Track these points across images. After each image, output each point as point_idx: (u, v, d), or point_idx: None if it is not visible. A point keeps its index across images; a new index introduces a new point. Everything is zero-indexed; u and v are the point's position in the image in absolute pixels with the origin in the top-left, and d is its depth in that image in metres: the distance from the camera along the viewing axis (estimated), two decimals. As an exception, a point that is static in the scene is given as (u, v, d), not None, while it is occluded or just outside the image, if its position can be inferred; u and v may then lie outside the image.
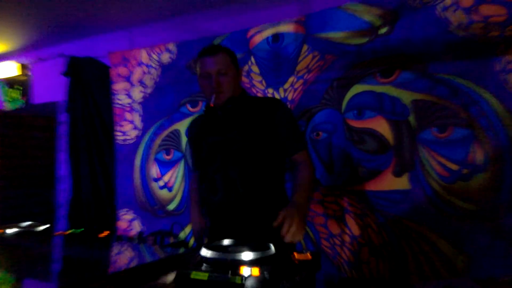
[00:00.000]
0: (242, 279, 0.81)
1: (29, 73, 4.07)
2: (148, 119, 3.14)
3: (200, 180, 1.82)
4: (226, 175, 1.63)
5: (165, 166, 3.04)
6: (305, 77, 2.49)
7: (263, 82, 2.66)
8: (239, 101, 1.67)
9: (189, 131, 1.89)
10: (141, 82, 3.17)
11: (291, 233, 1.31)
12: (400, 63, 2.22)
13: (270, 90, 2.63)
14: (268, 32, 2.63)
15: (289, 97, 2.54)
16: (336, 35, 2.40)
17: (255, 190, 1.62)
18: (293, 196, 1.51)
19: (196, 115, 1.84)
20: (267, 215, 1.49)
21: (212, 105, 1.60)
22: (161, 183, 3.05)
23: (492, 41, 2.01)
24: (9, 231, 1.40)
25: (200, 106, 2.91)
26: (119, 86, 3.25)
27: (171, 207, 2.98)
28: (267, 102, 1.72)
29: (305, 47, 2.50)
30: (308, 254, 1.04)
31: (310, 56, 2.48)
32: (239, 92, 1.71)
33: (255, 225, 1.58)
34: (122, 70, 3.23)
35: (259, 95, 2.65)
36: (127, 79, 3.22)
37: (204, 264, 0.92)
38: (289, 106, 2.54)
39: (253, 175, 1.61)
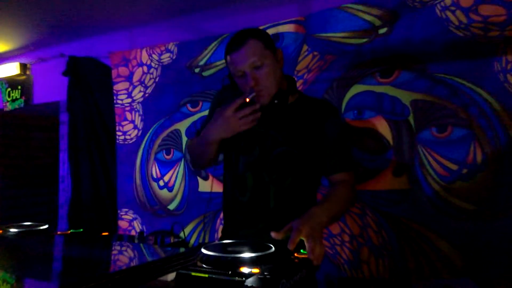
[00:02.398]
0: (242, 278, 0.81)
1: (30, 73, 4.07)
2: (148, 119, 3.14)
3: (225, 170, 1.54)
4: (259, 176, 1.40)
5: (165, 166, 3.04)
6: (305, 77, 2.49)
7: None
8: (288, 95, 1.37)
9: (223, 96, 1.51)
10: (141, 82, 3.17)
11: (319, 256, 1.05)
12: (400, 63, 2.22)
13: (270, 90, 2.63)
14: (268, 32, 2.63)
15: (289, 97, 2.54)
16: (336, 35, 2.40)
17: (287, 205, 1.39)
18: (314, 208, 1.21)
19: (225, 84, 1.51)
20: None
21: (248, 100, 1.29)
22: (161, 183, 3.05)
23: (492, 41, 2.01)
24: (9, 231, 1.40)
25: (200, 106, 2.91)
26: (120, 86, 3.26)
27: (171, 207, 2.98)
28: (320, 105, 1.45)
29: (305, 47, 2.51)
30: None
31: (310, 56, 2.48)
32: (285, 82, 1.43)
33: (279, 241, 1.34)
34: (123, 70, 3.24)
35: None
36: (128, 79, 3.22)
37: (204, 264, 0.92)
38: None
39: (289, 188, 1.39)
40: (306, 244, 1.05)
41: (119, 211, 3.23)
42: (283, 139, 1.38)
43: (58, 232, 1.48)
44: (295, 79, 1.52)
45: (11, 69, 4.04)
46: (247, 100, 1.29)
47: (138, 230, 3.11)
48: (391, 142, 2.23)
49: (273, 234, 1.09)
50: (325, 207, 1.23)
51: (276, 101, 1.35)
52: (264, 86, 1.34)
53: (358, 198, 2.28)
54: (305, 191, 1.43)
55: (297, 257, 1.01)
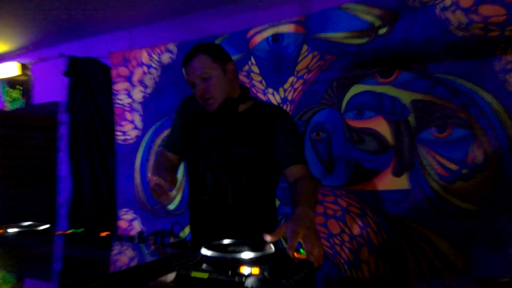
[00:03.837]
0: (242, 278, 0.81)
1: (30, 73, 4.08)
2: (148, 119, 3.14)
3: (188, 173, 1.66)
4: (217, 177, 1.51)
5: (165, 166, 3.03)
6: (305, 77, 2.49)
7: (263, 82, 2.66)
8: (237, 103, 1.52)
9: (183, 108, 1.67)
10: (141, 82, 3.17)
11: (319, 256, 1.04)
12: (400, 63, 2.22)
13: (270, 90, 2.63)
14: (268, 32, 2.64)
15: (289, 97, 2.54)
16: (336, 35, 2.41)
17: (245, 202, 1.50)
18: (300, 208, 1.23)
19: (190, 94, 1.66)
20: (254, 230, 1.42)
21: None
22: (161, 183, 3.04)
23: (492, 41, 2.01)
24: (9, 231, 1.40)
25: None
26: (120, 86, 3.26)
27: (171, 207, 2.98)
28: (272, 110, 1.58)
29: (305, 47, 2.51)
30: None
31: (310, 56, 2.48)
32: (237, 91, 1.56)
33: (240, 236, 1.36)
34: (123, 70, 3.24)
35: (259, 95, 2.65)
36: (128, 79, 3.22)
37: (204, 264, 0.92)
38: (289, 106, 2.54)
39: (245, 186, 1.49)
40: (304, 246, 1.06)
41: (119, 211, 3.23)
42: (237, 141, 1.50)
43: (58, 232, 1.48)
44: (248, 88, 1.62)
45: (11, 69, 4.04)
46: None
47: (138, 230, 3.11)
48: (391, 142, 2.23)
49: (267, 238, 1.08)
50: (306, 204, 1.27)
51: (223, 107, 1.49)
52: (211, 95, 1.48)
53: (356, 196, 2.29)
54: (260, 189, 1.53)
55: (296, 257, 1.01)
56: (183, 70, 1.53)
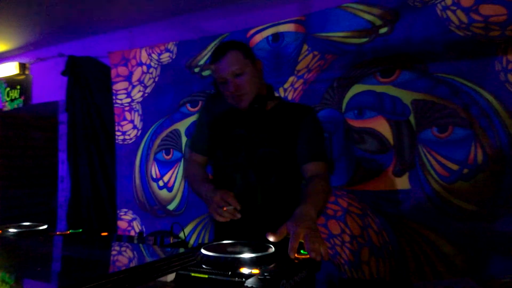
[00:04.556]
0: (242, 279, 0.81)
1: (29, 73, 4.07)
2: (148, 119, 3.14)
3: (214, 173, 1.63)
4: (246, 176, 1.49)
5: (164, 166, 3.03)
6: (305, 76, 2.49)
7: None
8: (266, 100, 1.52)
9: (209, 108, 1.66)
10: (140, 82, 3.17)
11: (324, 252, 1.03)
12: (401, 63, 2.22)
13: (270, 90, 2.62)
14: (268, 32, 2.63)
15: (289, 97, 2.53)
16: (336, 35, 2.40)
17: (274, 202, 1.48)
18: (302, 207, 1.22)
19: (213, 92, 1.65)
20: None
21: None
22: (160, 183, 3.04)
23: (493, 40, 2.01)
24: (9, 231, 1.39)
25: (200, 106, 2.90)
26: (119, 85, 3.25)
27: (171, 207, 2.98)
28: (297, 108, 1.58)
29: (305, 47, 2.50)
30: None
31: (310, 55, 2.48)
32: (264, 89, 1.56)
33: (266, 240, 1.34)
34: (122, 70, 3.23)
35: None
36: (127, 78, 3.22)
37: (204, 264, 0.92)
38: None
39: (274, 185, 1.48)
40: (306, 245, 1.03)
41: (118, 211, 3.22)
42: (265, 140, 1.50)
43: (57, 233, 1.47)
44: (273, 87, 1.62)
45: (10, 68, 4.03)
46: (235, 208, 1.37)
47: (137, 231, 3.11)
48: (391, 142, 2.23)
49: (270, 238, 1.08)
50: (310, 203, 1.26)
51: (256, 106, 1.49)
52: (244, 92, 1.47)
53: (356, 196, 2.29)
54: (288, 187, 1.52)
55: (297, 258, 1.00)
56: (212, 67, 1.50)
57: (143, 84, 3.16)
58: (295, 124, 1.51)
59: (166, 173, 3.02)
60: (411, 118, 2.18)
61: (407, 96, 2.20)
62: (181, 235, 2.81)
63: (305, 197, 1.32)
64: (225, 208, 1.35)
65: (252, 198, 1.48)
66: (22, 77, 4.05)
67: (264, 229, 1.37)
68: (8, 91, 4.15)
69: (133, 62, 3.18)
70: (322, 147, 1.56)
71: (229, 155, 1.53)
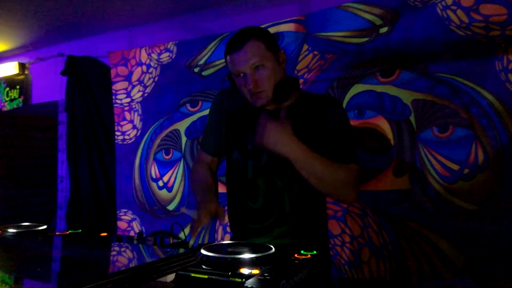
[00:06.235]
0: (242, 279, 0.80)
1: (28, 73, 4.07)
2: (147, 119, 3.14)
3: (229, 176, 1.50)
4: (271, 181, 1.35)
5: (164, 166, 3.03)
6: (305, 76, 2.49)
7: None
8: (289, 86, 1.34)
9: (223, 104, 1.49)
10: (140, 82, 3.16)
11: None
12: (401, 63, 2.22)
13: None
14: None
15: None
16: (336, 35, 2.40)
17: (302, 208, 1.36)
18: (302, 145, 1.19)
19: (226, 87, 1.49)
20: (308, 238, 1.33)
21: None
22: (160, 183, 3.04)
23: (493, 40, 2.00)
24: (9, 231, 1.39)
25: (200, 106, 2.90)
26: (119, 85, 3.25)
27: (171, 207, 2.98)
28: (321, 102, 1.39)
29: (305, 47, 2.50)
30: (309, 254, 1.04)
31: (310, 55, 2.48)
32: (286, 83, 1.37)
33: (292, 247, 1.26)
34: (122, 70, 3.23)
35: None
36: (127, 78, 3.21)
37: (204, 265, 0.92)
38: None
39: (301, 190, 1.34)
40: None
41: (118, 212, 3.22)
42: None
43: (57, 233, 1.47)
44: (298, 79, 1.47)
45: (9, 68, 4.03)
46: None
47: (137, 231, 3.10)
48: (392, 142, 2.23)
49: None
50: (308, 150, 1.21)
51: (278, 93, 1.32)
52: (264, 88, 1.31)
53: (358, 198, 2.28)
54: (316, 192, 1.34)
55: (297, 258, 1.00)
56: (228, 58, 1.33)
57: (142, 84, 3.15)
58: (319, 118, 1.33)
59: (166, 173, 3.02)
60: (412, 118, 2.18)
61: (407, 96, 2.19)
62: (181, 235, 2.81)
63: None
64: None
65: (279, 206, 1.35)
66: (22, 77, 4.05)
67: (291, 238, 1.34)
68: (7, 91, 4.15)
69: (133, 62, 3.18)
70: (351, 147, 1.35)
71: (249, 157, 1.38)
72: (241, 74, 1.32)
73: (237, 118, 1.45)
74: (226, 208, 1.46)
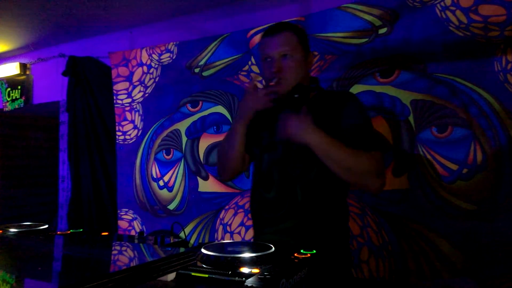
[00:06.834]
0: (242, 278, 0.81)
1: (30, 73, 4.08)
2: (148, 119, 3.14)
3: (254, 171, 1.56)
4: (284, 171, 1.39)
5: (165, 166, 3.04)
6: (305, 77, 2.49)
7: (263, 82, 2.65)
8: (308, 92, 1.39)
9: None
10: (141, 82, 3.17)
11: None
12: (400, 63, 2.22)
13: (270, 90, 2.62)
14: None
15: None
16: (335, 35, 2.40)
17: (315, 198, 1.37)
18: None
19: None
20: (324, 231, 1.34)
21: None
22: (161, 183, 3.05)
23: (492, 41, 2.01)
24: (10, 230, 1.40)
25: (200, 106, 2.91)
26: (120, 86, 3.26)
27: (171, 207, 2.98)
28: (338, 95, 1.47)
29: (305, 47, 2.50)
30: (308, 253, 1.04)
31: (310, 56, 2.48)
32: (308, 81, 1.46)
33: (307, 239, 1.34)
34: (123, 70, 3.24)
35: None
36: (128, 79, 3.22)
37: (204, 264, 0.92)
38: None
39: (315, 180, 1.36)
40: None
41: (119, 211, 3.23)
42: None
43: (58, 232, 1.48)
44: (318, 80, 1.55)
45: (11, 69, 4.04)
46: (271, 84, 1.38)
47: (138, 230, 3.11)
48: (391, 142, 2.23)
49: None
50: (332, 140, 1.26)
51: (296, 95, 1.36)
52: (285, 76, 1.37)
53: (356, 196, 2.29)
54: (330, 183, 1.38)
55: (297, 257, 1.01)
56: (261, 40, 1.43)
57: (143, 84, 3.16)
58: (336, 114, 1.37)
59: (167, 173, 3.03)
60: (411, 118, 2.19)
61: (406, 96, 2.20)
62: (182, 234, 2.82)
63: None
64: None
65: (291, 195, 1.38)
66: (23, 77, 4.06)
67: (304, 229, 1.35)
68: (9, 91, 4.16)
69: (134, 62, 3.19)
70: (370, 136, 1.38)
71: (265, 150, 1.46)
72: (268, 59, 1.39)
73: (256, 118, 1.51)
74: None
